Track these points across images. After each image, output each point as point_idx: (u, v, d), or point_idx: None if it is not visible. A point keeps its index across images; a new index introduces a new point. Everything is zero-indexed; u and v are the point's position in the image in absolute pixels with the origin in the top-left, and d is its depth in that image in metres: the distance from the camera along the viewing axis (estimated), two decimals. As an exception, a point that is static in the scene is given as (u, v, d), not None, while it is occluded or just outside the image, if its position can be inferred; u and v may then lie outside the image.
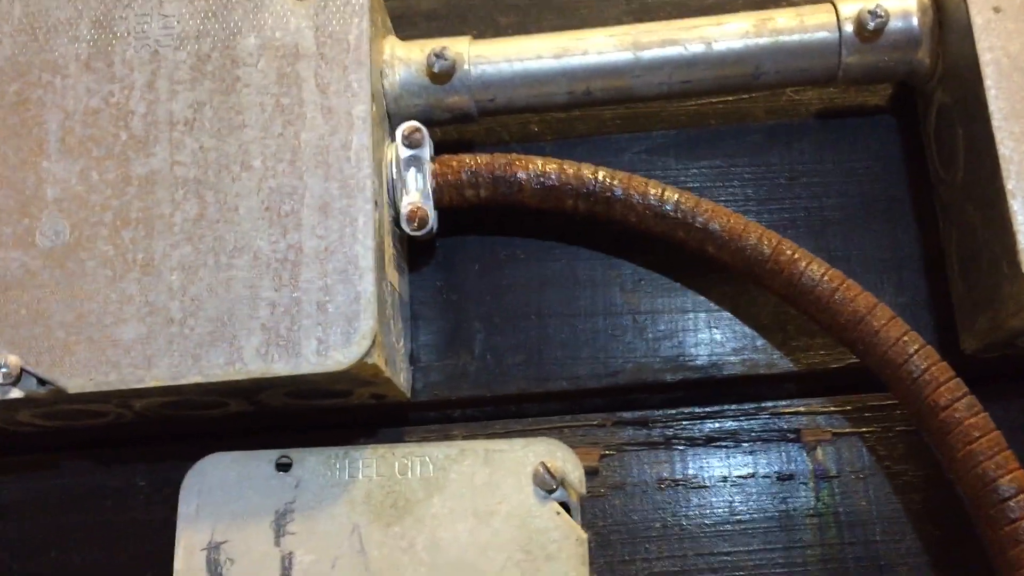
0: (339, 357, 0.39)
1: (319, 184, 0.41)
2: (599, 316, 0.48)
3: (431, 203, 0.45)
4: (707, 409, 0.46)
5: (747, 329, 0.47)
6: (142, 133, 0.42)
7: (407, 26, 0.52)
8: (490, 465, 0.40)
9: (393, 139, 0.45)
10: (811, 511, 0.44)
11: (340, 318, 0.40)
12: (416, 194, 0.45)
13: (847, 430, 0.45)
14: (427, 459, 0.40)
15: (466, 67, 0.46)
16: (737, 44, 0.45)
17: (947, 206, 0.46)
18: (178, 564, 0.40)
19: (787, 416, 0.46)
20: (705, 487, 0.45)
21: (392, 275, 0.44)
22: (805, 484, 0.45)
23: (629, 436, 0.46)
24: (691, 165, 0.49)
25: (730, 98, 0.50)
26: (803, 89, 0.50)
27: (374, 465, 0.40)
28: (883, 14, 0.44)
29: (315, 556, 0.40)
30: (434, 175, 0.45)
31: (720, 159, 0.49)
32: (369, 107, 0.42)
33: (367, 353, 0.39)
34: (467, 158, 0.45)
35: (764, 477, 0.45)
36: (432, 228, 0.45)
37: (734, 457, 0.45)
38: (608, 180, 0.45)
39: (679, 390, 0.47)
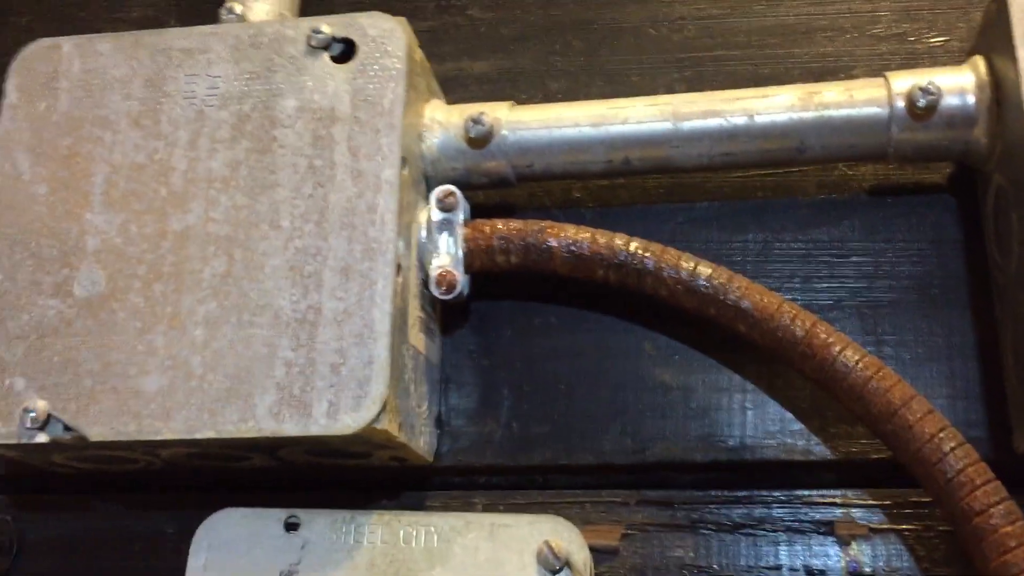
0: (348, 420, 0.39)
1: (343, 246, 0.42)
2: (629, 390, 0.46)
3: (462, 268, 0.45)
4: (737, 493, 0.44)
5: (783, 412, 0.45)
6: (181, 189, 0.43)
7: (459, 88, 0.53)
8: (495, 540, 0.40)
9: (428, 202, 0.45)
10: (842, 611, 0.42)
11: (352, 381, 0.40)
12: (447, 258, 0.45)
13: (885, 526, 0.43)
14: (432, 529, 0.40)
15: (504, 133, 0.46)
16: (781, 117, 0.44)
17: (1003, 293, 0.43)
18: (186, 617, 0.41)
19: (821, 507, 0.43)
20: (730, 577, 0.43)
21: (417, 339, 0.44)
22: (837, 581, 0.42)
23: (653, 516, 0.44)
24: (734, 238, 0.48)
25: (779, 171, 0.49)
26: (857, 164, 0.48)
27: (379, 531, 0.40)
28: (935, 91, 0.42)
29: (319, 619, 0.40)
30: (466, 240, 0.45)
31: (765, 233, 0.48)
32: (398, 171, 0.42)
33: (376, 418, 0.39)
34: (499, 224, 0.45)
35: (793, 571, 0.43)
36: (461, 293, 0.45)
37: (762, 547, 0.43)
38: (640, 252, 0.44)
39: (708, 471, 0.45)
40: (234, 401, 0.40)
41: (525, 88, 0.53)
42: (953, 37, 0.50)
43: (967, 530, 0.36)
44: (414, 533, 0.40)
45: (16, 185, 0.44)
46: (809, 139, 0.44)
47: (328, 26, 0.45)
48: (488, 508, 0.45)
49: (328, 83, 0.44)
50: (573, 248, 0.44)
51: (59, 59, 0.46)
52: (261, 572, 0.40)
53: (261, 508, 0.42)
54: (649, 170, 0.46)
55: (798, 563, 0.43)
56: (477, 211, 0.46)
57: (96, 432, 0.40)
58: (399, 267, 0.42)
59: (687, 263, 0.43)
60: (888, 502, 0.43)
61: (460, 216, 0.45)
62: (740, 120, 0.44)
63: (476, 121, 0.45)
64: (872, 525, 0.43)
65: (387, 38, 0.44)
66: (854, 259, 0.47)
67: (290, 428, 0.39)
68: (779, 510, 0.44)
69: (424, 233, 0.45)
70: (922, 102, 0.42)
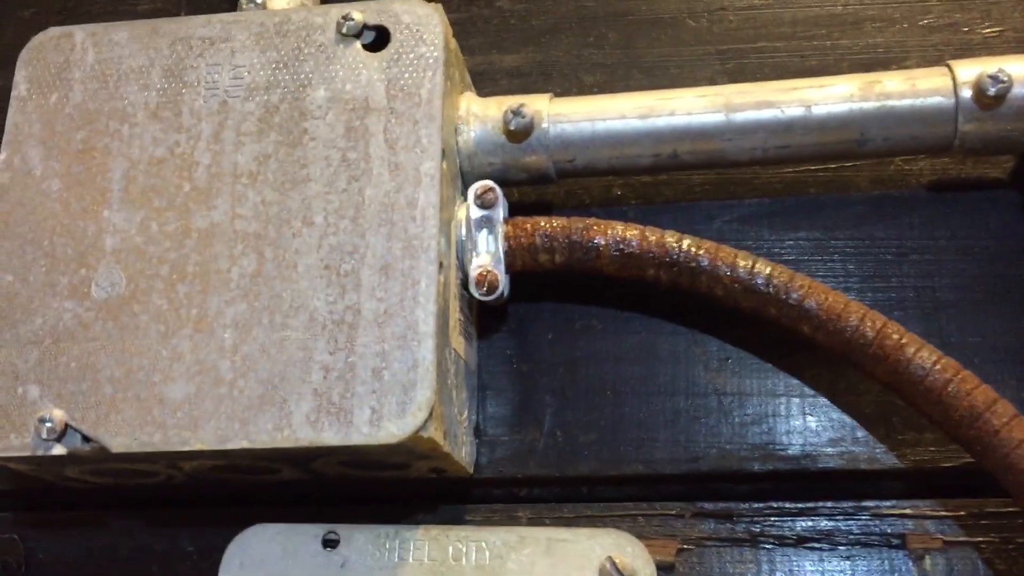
0: (393, 429, 0.36)
1: (381, 243, 0.39)
2: (680, 395, 0.44)
3: (502, 267, 0.42)
4: (799, 505, 0.42)
5: (846, 418, 0.42)
6: (205, 185, 0.41)
7: (488, 83, 0.50)
8: (552, 556, 0.37)
9: (465, 198, 0.43)
10: (915, 629, 0.39)
11: (396, 386, 0.37)
12: (487, 257, 0.42)
13: (960, 539, 0.40)
14: (483, 545, 0.37)
15: (544, 125, 0.43)
16: (840, 108, 0.42)
17: (1078, 290, 0.41)
18: (214, 642, 0.38)
19: (891, 518, 0.41)
20: (793, 593, 0.40)
21: (457, 342, 0.41)
22: (909, 597, 0.40)
23: (710, 530, 0.42)
24: (786, 237, 0.45)
25: (831, 166, 0.46)
26: (913, 158, 0.46)
27: (426, 548, 0.37)
28: (1006, 79, 0.40)
29: (358, 645, 0.37)
30: (507, 237, 0.42)
31: (819, 231, 0.45)
32: (438, 164, 0.40)
33: (423, 426, 0.36)
34: (542, 221, 0.43)
35: (862, 587, 0.40)
36: (503, 293, 0.42)
37: (829, 561, 0.41)
38: (693, 249, 0.41)
39: (768, 481, 0.43)
40: (268, 409, 0.37)
41: (558, 82, 0.50)
42: (1008, 27, 0.48)
43: (1063, 541, 0.34)
44: (464, 549, 0.37)
45: (27, 181, 0.42)
46: (870, 131, 0.42)
47: (359, 13, 0.42)
48: (533, 522, 0.43)
49: (360, 72, 0.42)
50: (622, 246, 0.42)
51: (71, 48, 0.44)
52: (297, 594, 0.37)
53: (296, 524, 0.39)
54: (698, 164, 0.44)
55: (868, 579, 0.40)
56: (513, 209, 0.44)
57: (118, 443, 0.37)
58: (441, 265, 0.39)
59: (744, 261, 0.41)
60: (962, 513, 0.40)
61: (500, 213, 0.43)
62: (796, 111, 0.42)
63: (516, 113, 0.43)
64: (946, 538, 0.40)
65: (423, 25, 0.42)
66: (913, 257, 0.44)
67: (330, 437, 0.37)
68: (846, 522, 0.41)
69: (463, 231, 0.42)
70: (992, 90, 0.40)
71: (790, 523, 0.42)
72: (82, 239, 0.40)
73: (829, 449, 0.42)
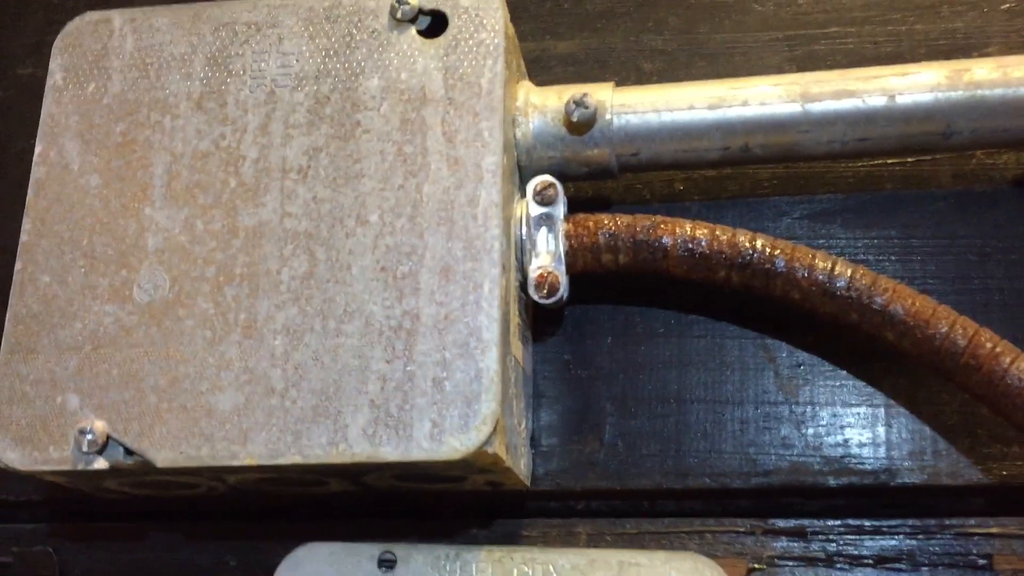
0: (455, 443, 0.34)
1: (441, 244, 0.37)
2: (749, 404, 0.41)
3: (563, 268, 0.40)
4: (877, 523, 0.39)
5: (927, 429, 0.40)
6: (252, 181, 0.38)
7: (542, 71, 0.48)
8: (624, 580, 0.35)
9: (523, 195, 0.41)
10: (1004, 656, 0.37)
11: (458, 398, 0.35)
12: (547, 257, 0.40)
13: (1051, 560, 0.38)
14: (551, 568, 0.35)
15: (608, 116, 0.41)
16: (926, 98, 0.39)
17: None
18: (263, 666, 0.36)
19: (976, 538, 0.39)
20: (873, 616, 0.38)
21: (516, 348, 0.39)
22: (997, 622, 0.38)
23: (783, 548, 0.40)
24: (861, 235, 0.43)
25: (909, 160, 0.44)
26: (996, 151, 0.43)
27: (489, 571, 0.35)
28: (1108, 66, 0.37)
29: (416, 669, 0.35)
30: (568, 236, 0.40)
31: (896, 229, 0.43)
32: (500, 159, 0.37)
33: (487, 441, 0.34)
34: (605, 219, 0.40)
35: (947, 610, 0.38)
36: (563, 296, 0.40)
37: (909, 582, 0.38)
38: (768, 250, 0.39)
39: (843, 497, 0.40)
40: (321, 421, 0.35)
41: (616, 69, 0.48)
42: (1096, 11, 0.45)
43: None
44: (530, 572, 0.35)
45: (64, 176, 0.39)
46: (958, 123, 0.39)
47: (414, -3, 0.40)
48: (592, 538, 0.41)
49: (416, 60, 0.39)
50: (691, 246, 0.39)
51: (109, 35, 0.41)
52: (352, 616, 0.35)
53: (350, 543, 0.37)
54: (770, 158, 0.41)
55: (954, 601, 0.38)
56: (570, 205, 0.41)
57: (163, 457, 0.35)
58: (503, 267, 0.37)
59: (823, 263, 0.38)
60: (1054, 532, 0.38)
61: (561, 210, 0.40)
62: (879, 101, 0.39)
63: (579, 103, 0.40)
64: (1037, 558, 0.38)
65: (482, 9, 0.39)
66: (998, 257, 0.42)
67: (388, 452, 0.34)
68: (928, 542, 0.39)
69: (522, 230, 0.40)
70: (1094, 80, 0.37)
71: (868, 542, 0.39)
72: (123, 238, 0.38)
73: (909, 463, 0.40)
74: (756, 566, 0.39)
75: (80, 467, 0.35)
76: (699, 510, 0.41)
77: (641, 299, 0.44)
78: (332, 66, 0.40)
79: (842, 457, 0.40)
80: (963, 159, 0.44)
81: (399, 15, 0.40)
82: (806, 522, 0.40)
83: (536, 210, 0.40)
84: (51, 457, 0.36)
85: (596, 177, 0.43)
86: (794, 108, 0.40)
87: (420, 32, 0.40)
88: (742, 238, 0.39)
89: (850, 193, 0.44)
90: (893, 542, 0.39)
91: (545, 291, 0.40)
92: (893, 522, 0.39)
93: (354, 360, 0.36)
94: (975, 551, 0.38)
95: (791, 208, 0.44)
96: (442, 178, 0.37)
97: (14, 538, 0.44)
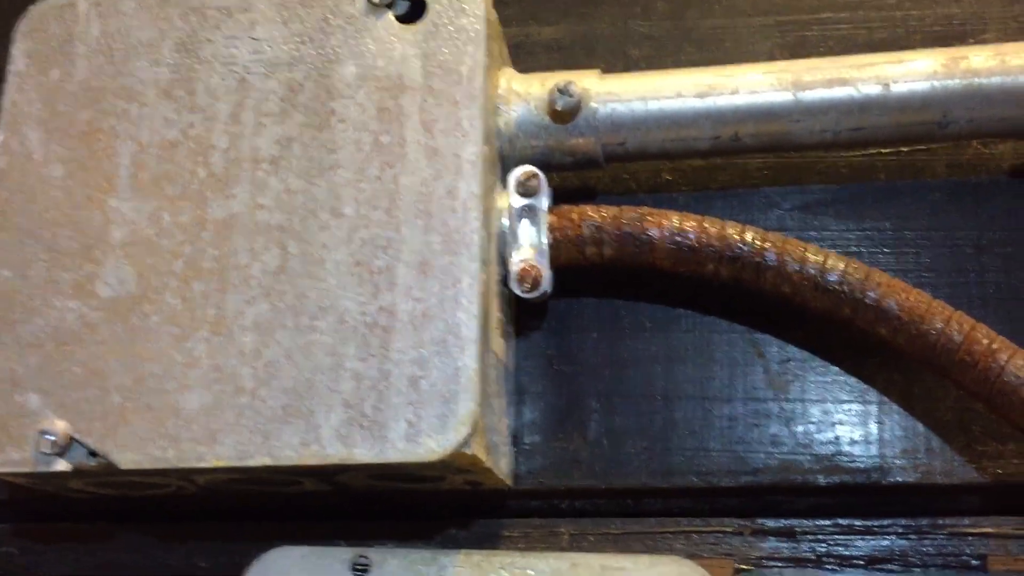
0: (432, 445, 0.33)
1: (418, 237, 0.35)
2: (737, 401, 0.40)
3: (546, 261, 0.39)
4: (869, 523, 0.38)
5: (920, 426, 0.39)
6: (222, 171, 0.37)
7: (526, 57, 0.46)
8: (607, 586, 0.33)
9: (505, 186, 0.39)
10: (999, 660, 0.36)
11: (435, 397, 0.33)
12: (529, 250, 0.39)
13: (1047, 561, 0.37)
14: (531, 573, 0.34)
15: (593, 105, 0.39)
16: (921, 86, 0.38)
17: None
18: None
19: (970, 537, 0.37)
20: (864, 619, 0.37)
21: (497, 344, 0.38)
22: (992, 625, 0.36)
23: (771, 549, 0.38)
24: (854, 227, 0.42)
25: (904, 149, 0.42)
26: (993, 141, 0.42)
27: (467, 575, 0.34)
28: (1109, 53, 0.36)
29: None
30: (551, 229, 0.39)
31: (890, 221, 0.42)
32: (481, 149, 0.36)
33: (465, 441, 0.33)
34: (590, 210, 0.39)
35: (940, 613, 0.37)
36: (546, 290, 0.39)
37: (902, 584, 0.37)
38: (759, 243, 0.37)
39: (834, 496, 0.39)
40: (293, 421, 0.34)
41: (603, 55, 0.46)
42: (1095, -3, 0.44)
43: None
44: (509, 577, 0.34)
45: (27, 166, 0.38)
46: (954, 112, 0.38)
47: (391, -21, 0.38)
48: (575, 538, 0.39)
49: (394, 47, 0.38)
50: (678, 238, 0.38)
51: (74, 20, 0.40)
52: (326, 623, 0.34)
53: (323, 546, 0.35)
54: (760, 148, 0.40)
55: (947, 604, 0.37)
56: (554, 196, 0.40)
57: (128, 459, 0.34)
58: (483, 261, 0.36)
59: (815, 256, 0.37)
60: (1050, 532, 0.37)
61: (544, 202, 0.39)
62: (873, 89, 0.38)
63: (563, 91, 0.39)
64: (1033, 560, 0.37)
65: (462, -7, 0.38)
66: (995, 250, 0.41)
67: (362, 453, 0.33)
68: (920, 542, 0.38)
69: (504, 221, 0.38)
70: (1094, 67, 0.36)
71: (859, 542, 0.38)
72: (87, 231, 0.37)
73: (902, 461, 0.39)
74: (743, 567, 0.38)
75: (41, 469, 0.34)
76: (685, 509, 0.40)
77: (627, 293, 0.42)
78: (306, 52, 0.38)
79: (833, 455, 0.39)
80: (959, 149, 0.42)
81: (376, 0, 0.38)
82: (795, 522, 0.39)
83: (518, 201, 0.39)
84: (11, 459, 0.34)
85: (581, 167, 0.41)
86: (786, 96, 0.39)
87: (398, 17, 0.38)
88: (731, 230, 0.38)
89: (843, 184, 0.43)
90: (885, 542, 0.38)
91: (528, 285, 0.38)
92: (885, 521, 0.38)
93: (327, 358, 0.34)
94: (969, 551, 0.37)
95: (782, 199, 0.43)
96: (420, 169, 0.36)
97: (-23, 539, 0.42)
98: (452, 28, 0.37)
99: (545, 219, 0.39)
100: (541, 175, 0.39)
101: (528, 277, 0.38)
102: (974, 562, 0.37)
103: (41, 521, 0.43)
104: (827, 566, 0.38)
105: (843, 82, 0.38)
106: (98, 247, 0.36)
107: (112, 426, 0.34)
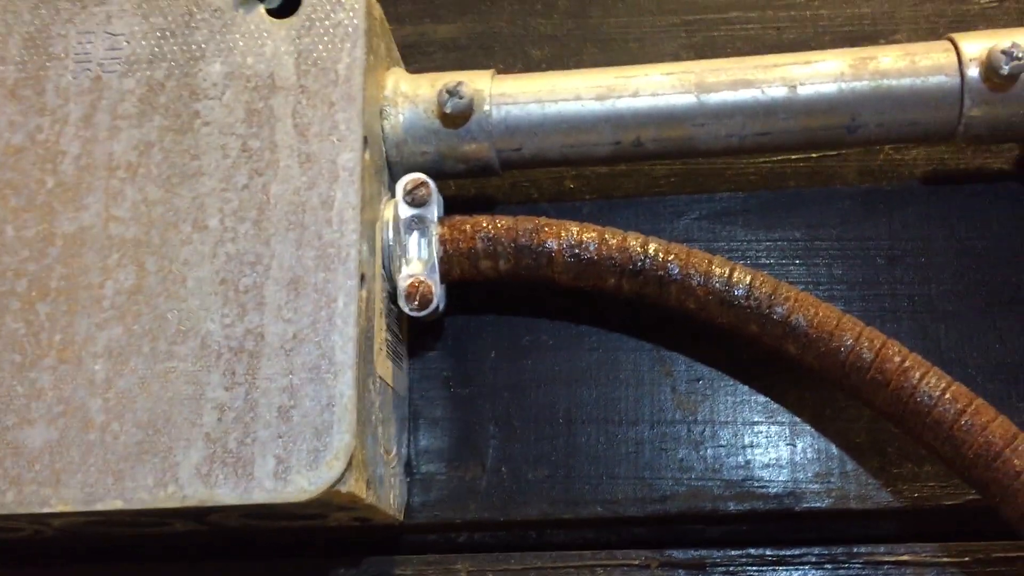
0: (303, 483, 0.30)
1: (290, 252, 0.32)
2: (644, 424, 0.38)
3: (437, 276, 0.36)
4: (782, 552, 0.36)
5: (834, 448, 0.37)
6: (73, 180, 0.33)
7: (420, 57, 0.44)
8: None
9: (393, 194, 0.36)
10: None
11: (307, 430, 0.30)
12: (419, 264, 0.36)
13: (965, 588, 0.35)
14: (415, 620, 0.31)
15: (486, 108, 0.37)
16: (829, 88, 0.36)
17: (1098, 301, 0.36)
18: None
19: (887, 565, 0.36)
20: (777, 654, 0.35)
21: (384, 367, 0.35)
22: (909, 657, 0.35)
23: (680, 581, 0.36)
24: (764, 237, 0.40)
25: (814, 155, 0.41)
26: (905, 147, 0.40)
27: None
28: (1021, 56, 0.35)
29: None
30: (442, 241, 0.36)
31: (800, 230, 0.40)
32: (360, 155, 0.33)
33: (340, 478, 0.30)
34: (484, 221, 0.36)
35: (855, 645, 0.35)
36: (438, 307, 0.36)
37: (816, 616, 0.35)
38: (661, 255, 0.35)
39: (745, 524, 0.37)
40: (148, 459, 0.30)
41: (502, 56, 0.44)
42: (1008, -2, 0.42)
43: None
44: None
45: None
46: (863, 115, 0.36)
47: (263, -29, 0.35)
48: (473, 575, 0.37)
49: (265, 43, 0.34)
50: (577, 251, 0.36)
51: (-91, 12, 0.36)
52: None
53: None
54: (664, 154, 0.38)
55: (863, 637, 0.35)
56: (450, 205, 0.37)
57: (-42, 505, 0.30)
58: (363, 278, 0.33)
59: (720, 269, 0.35)
60: (967, 558, 0.35)
61: (434, 212, 0.36)
62: (779, 92, 0.36)
63: (453, 93, 0.36)
64: (951, 587, 0.35)
65: (340, -13, 0.35)
66: (908, 260, 0.39)
67: (225, 494, 0.30)
68: (835, 570, 0.36)
69: (390, 233, 0.36)
70: (1006, 68, 0.35)
71: (771, 573, 0.36)
72: (-83, 247, 0.33)
73: (815, 486, 0.37)
74: (651, 603, 0.36)
75: None
76: (590, 541, 0.38)
77: (528, 309, 0.40)
78: (168, 49, 0.35)
79: (744, 480, 0.37)
80: (870, 155, 0.41)
81: (246, -9, 0.35)
82: (705, 552, 0.36)
83: (406, 212, 0.36)
84: None
85: (476, 174, 0.39)
86: (688, 99, 0.37)
87: (269, 11, 0.35)
88: (633, 242, 0.36)
89: (752, 191, 0.41)
90: (798, 573, 0.36)
91: (416, 302, 0.35)
92: (798, 551, 0.36)
93: (187, 387, 0.31)
94: (885, 580, 0.35)
95: (689, 207, 0.41)
96: (292, 177, 0.33)
97: None
98: (328, 23, 0.34)
99: (436, 231, 0.36)
100: (431, 183, 0.36)
101: (416, 294, 0.35)
102: (890, 590, 0.35)
103: None
104: (738, 598, 0.36)
105: (748, 84, 0.36)
106: (-71, 266, 0.33)
107: (-58, 467, 0.31)
